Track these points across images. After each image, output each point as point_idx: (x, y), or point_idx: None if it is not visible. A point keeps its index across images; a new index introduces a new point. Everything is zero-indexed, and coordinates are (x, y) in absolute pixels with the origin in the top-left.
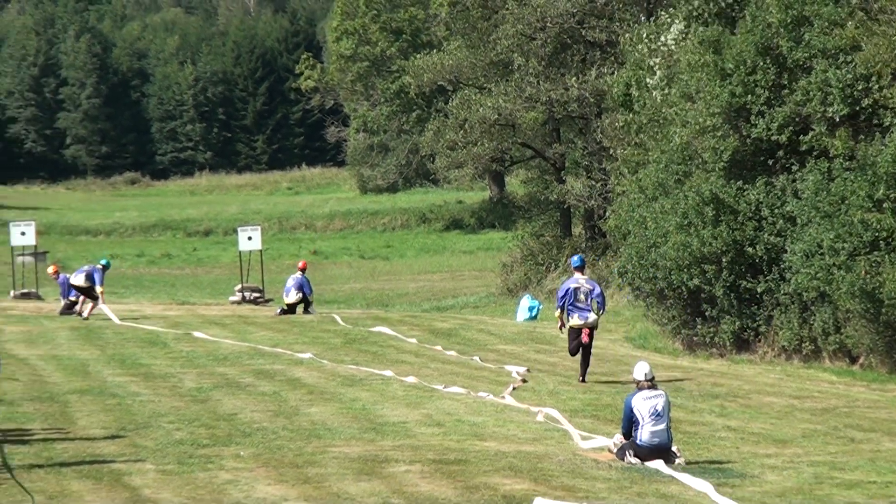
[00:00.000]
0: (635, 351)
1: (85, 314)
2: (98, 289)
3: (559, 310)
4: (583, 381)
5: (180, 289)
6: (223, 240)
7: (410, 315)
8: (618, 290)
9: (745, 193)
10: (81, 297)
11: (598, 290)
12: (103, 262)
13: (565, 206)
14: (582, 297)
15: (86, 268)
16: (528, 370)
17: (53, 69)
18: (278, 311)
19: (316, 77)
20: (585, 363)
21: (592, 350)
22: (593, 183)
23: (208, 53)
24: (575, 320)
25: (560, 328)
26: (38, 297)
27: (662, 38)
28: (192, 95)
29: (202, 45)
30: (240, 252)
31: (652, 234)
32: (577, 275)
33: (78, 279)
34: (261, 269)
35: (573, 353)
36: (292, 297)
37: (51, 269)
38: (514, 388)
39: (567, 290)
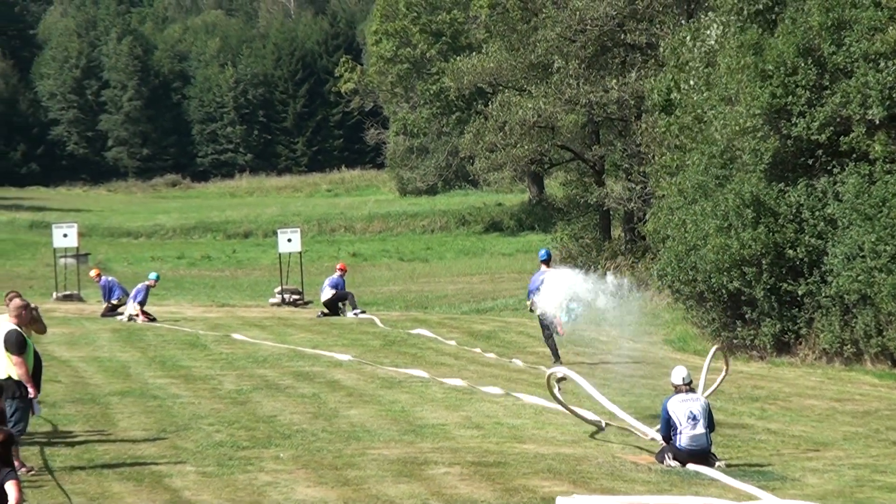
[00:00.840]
0: (675, 353)
1: (125, 317)
2: (137, 308)
3: (529, 299)
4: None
5: (220, 290)
6: (263, 242)
7: (450, 317)
8: (657, 293)
9: (786, 195)
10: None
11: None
12: (153, 276)
13: (604, 209)
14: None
15: (140, 287)
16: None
17: (95, 71)
18: (319, 313)
19: (355, 79)
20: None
21: (630, 353)
22: (633, 185)
23: (249, 55)
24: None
25: (530, 310)
26: (80, 299)
27: (702, 41)
28: (233, 97)
29: (243, 48)
30: (279, 254)
31: (691, 236)
32: (544, 267)
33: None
34: (300, 271)
35: (555, 359)
36: (325, 293)
37: (93, 273)
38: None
39: (534, 284)
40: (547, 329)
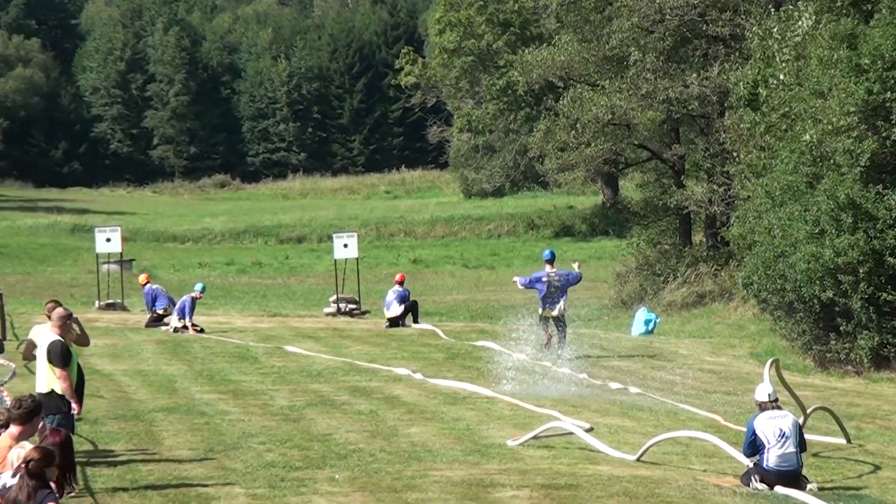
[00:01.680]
0: (761, 368)
1: (171, 327)
2: (187, 321)
3: (520, 284)
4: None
5: (272, 299)
6: (317, 247)
7: (518, 328)
8: (742, 303)
9: (885, 199)
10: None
11: (572, 275)
12: (199, 287)
13: (685, 213)
14: (553, 290)
15: (185, 299)
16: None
17: (140, 64)
18: (385, 324)
19: (417, 72)
20: (562, 332)
21: (712, 368)
22: (715, 187)
23: (303, 48)
24: (546, 311)
25: (513, 280)
26: (124, 308)
27: (792, 31)
28: (286, 92)
29: (296, 39)
30: (335, 260)
31: (780, 242)
32: (548, 267)
33: (162, 308)
34: (357, 279)
35: (546, 343)
36: (394, 310)
37: (142, 278)
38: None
39: (538, 279)
40: (547, 332)
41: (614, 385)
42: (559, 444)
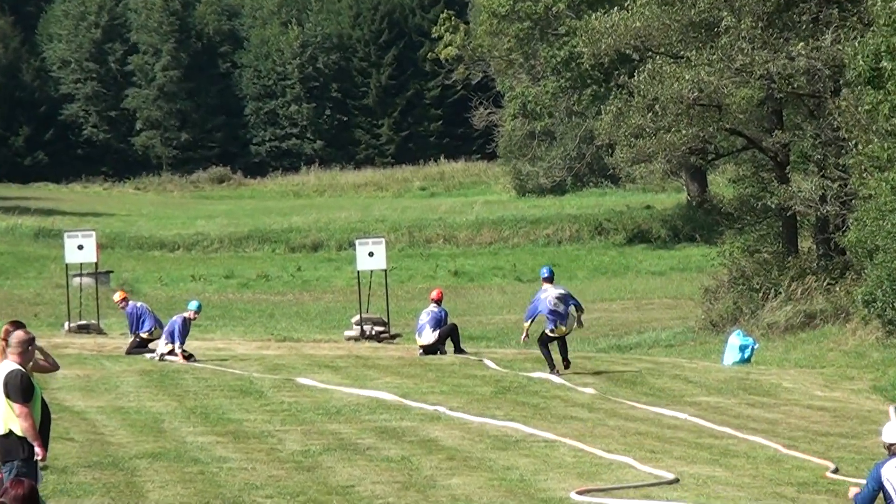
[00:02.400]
0: (887, 406)
1: (157, 355)
2: (176, 346)
3: (528, 322)
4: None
5: (281, 320)
6: (336, 256)
7: (583, 356)
8: (862, 325)
9: None
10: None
11: (569, 294)
12: (193, 306)
13: (789, 214)
14: (559, 303)
15: (175, 320)
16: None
17: (120, 32)
18: (419, 351)
19: (459, 42)
20: (564, 350)
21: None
22: (828, 183)
23: (319, 11)
24: (557, 327)
25: (524, 339)
26: (100, 331)
27: None
28: (298, 66)
29: (311, 1)
30: (358, 272)
31: None
32: (546, 285)
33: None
34: (385, 295)
35: (551, 369)
36: (427, 336)
37: (118, 296)
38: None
39: (541, 302)
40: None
41: (704, 423)
42: (635, 496)
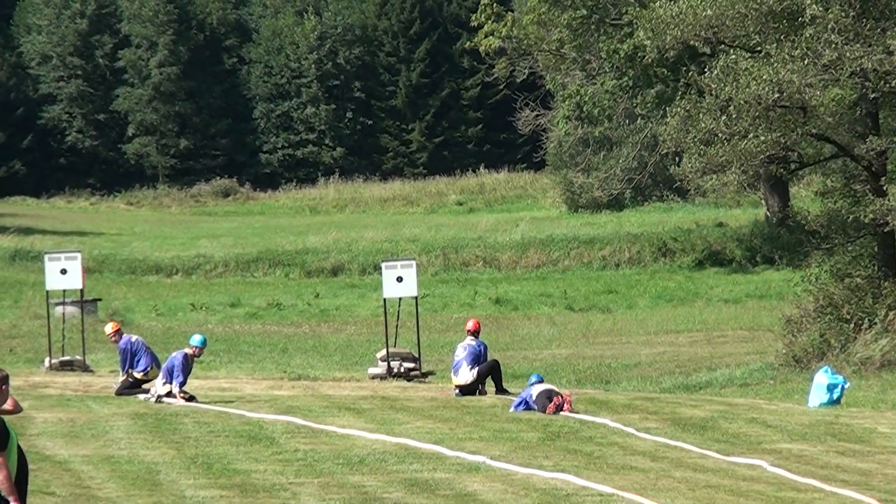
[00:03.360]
0: None
1: (153, 395)
2: (174, 386)
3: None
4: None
5: (295, 356)
6: (360, 282)
7: (644, 397)
8: None
9: None
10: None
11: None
12: (196, 341)
13: (886, 231)
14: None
15: (176, 356)
16: None
17: (109, 22)
18: (455, 391)
19: (503, 34)
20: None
21: None
22: None
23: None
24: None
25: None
26: (86, 368)
27: None
28: (315, 62)
29: None
30: (385, 300)
31: None
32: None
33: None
34: (416, 327)
35: None
36: (464, 374)
37: (110, 328)
38: None
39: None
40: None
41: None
42: None
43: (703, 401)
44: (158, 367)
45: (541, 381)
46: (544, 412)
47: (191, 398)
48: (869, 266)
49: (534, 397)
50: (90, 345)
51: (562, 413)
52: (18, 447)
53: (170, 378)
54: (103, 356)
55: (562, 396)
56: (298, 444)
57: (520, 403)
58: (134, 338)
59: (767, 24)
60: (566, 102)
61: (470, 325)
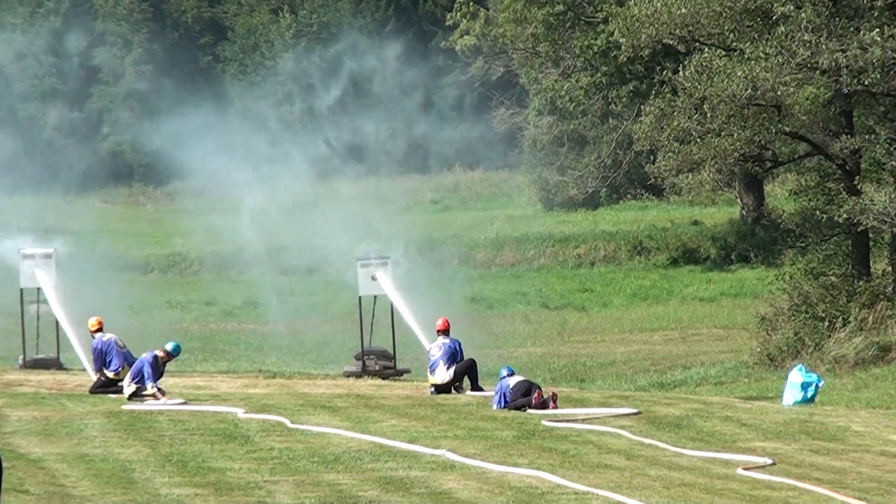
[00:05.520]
0: None
1: (126, 393)
2: (150, 387)
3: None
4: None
5: (270, 354)
6: (334, 279)
7: (619, 395)
8: None
9: None
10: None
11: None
12: (169, 347)
13: (860, 230)
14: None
15: (145, 357)
16: None
17: (83, 20)
18: (431, 389)
19: (478, 31)
20: None
21: None
22: None
23: None
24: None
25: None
26: (60, 366)
27: None
28: (291, 60)
29: None
30: (360, 298)
31: None
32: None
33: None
34: (391, 325)
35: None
36: (441, 374)
37: (93, 322)
38: None
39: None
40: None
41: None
42: None
43: (677, 399)
44: (130, 366)
45: (512, 373)
46: (528, 407)
47: (159, 392)
48: (843, 265)
49: (510, 386)
50: (64, 343)
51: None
52: None
53: (139, 379)
54: (76, 355)
55: (541, 391)
56: (273, 443)
57: (499, 399)
58: (106, 337)
59: (742, 23)
60: (540, 96)
61: (439, 323)
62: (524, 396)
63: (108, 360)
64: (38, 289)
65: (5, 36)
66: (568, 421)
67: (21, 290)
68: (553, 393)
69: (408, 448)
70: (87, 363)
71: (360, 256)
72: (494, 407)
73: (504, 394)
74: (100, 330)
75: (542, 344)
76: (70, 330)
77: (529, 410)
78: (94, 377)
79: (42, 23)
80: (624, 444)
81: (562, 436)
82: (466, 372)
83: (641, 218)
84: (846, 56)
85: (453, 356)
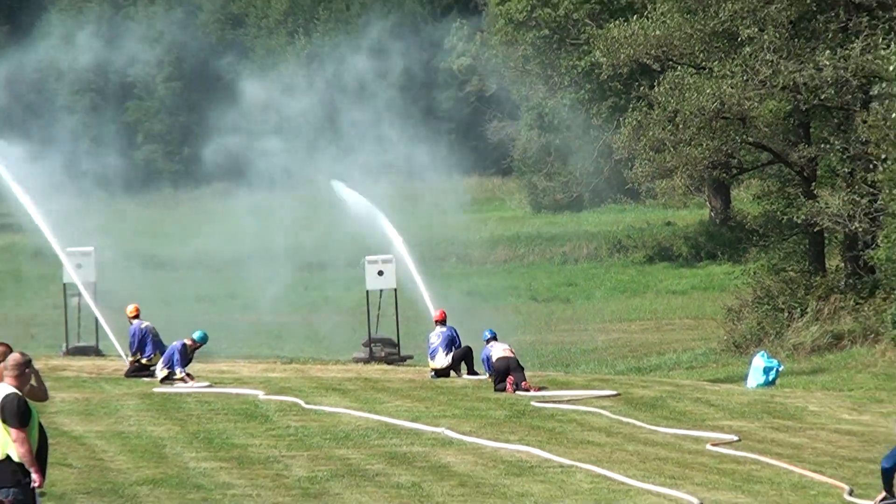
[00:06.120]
0: None
1: (159, 377)
2: (178, 372)
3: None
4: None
5: (287, 341)
6: (344, 275)
7: (600, 378)
8: (892, 346)
9: None
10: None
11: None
12: (196, 336)
13: (816, 231)
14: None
15: (175, 344)
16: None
17: (119, 42)
18: (431, 373)
19: (474, 52)
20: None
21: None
22: (857, 198)
23: (326, 20)
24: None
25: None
26: (98, 353)
27: None
28: (305, 77)
29: (318, 10)
30: (367, 291)
31: None
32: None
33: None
34: (396, 315)
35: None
36: (440, 359)
37: (131, 309)
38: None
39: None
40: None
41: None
42: None
43: (652, 382)
44: (162, 353)
45: (494, 336)
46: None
47: (187, 377)
48: (801, 261)
49: (493, 360)
50: (102, 332)
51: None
52: (39, 424)
53: (169, 364)
54: (111, 343)
55: (513, 381)
56: (290, 422)
57: (487, 367)
58: (144, 325)
59: (711, 44)
60: (529, 113)
61: (437, 314)
62: (500, 380)
63: (143, 346)
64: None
65: (49, 56)
66: (554, 402)
67: (64, 284)
68: (528, 386)
69: (410, 426)
70: (121, 351)
71: (367, 255)
72: (485, 375)
73: (488, 359)
74: (137, 317)
75: (532, 333)
76: (104, 321)
77: (518, 392)
78: (126, 360)
79: (84, 44)
80: (604, 422)
81: (549, 415)
82: (463, 358)
83: (620, 219)
84: (803, 75)
85: (451, 343)
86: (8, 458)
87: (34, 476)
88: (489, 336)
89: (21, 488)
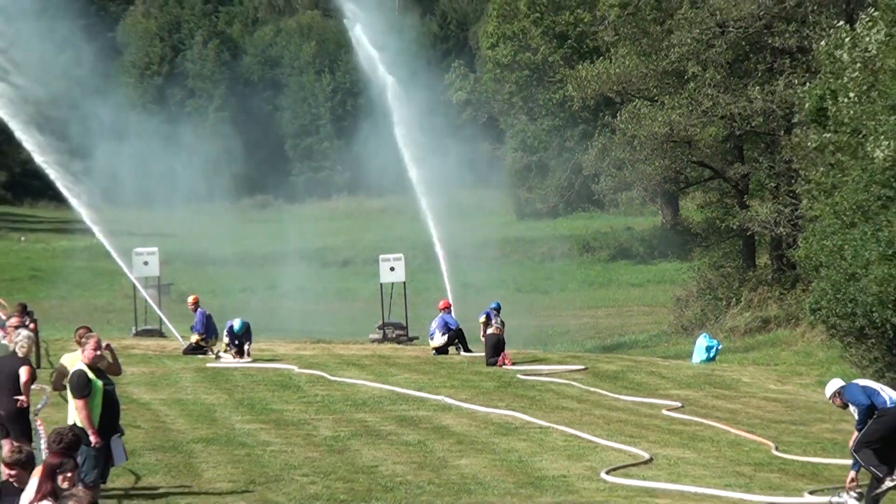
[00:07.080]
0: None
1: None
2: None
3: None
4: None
5: (315, 325)
6: (362, 270)
7: (572, 355)
8: (809, 329)
9: None
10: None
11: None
12: (237, 325)
13: (748, 234)
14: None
15: (225, 326)
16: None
17: (179, 79)
18: (432, 352)
19: (468, 88)
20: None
21: (777, 396)
22: (781, 207)
23: (348, 61)
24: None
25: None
26: (161, 335)
27: (862, 44)
28: (330, 109)
29: (341, 52)
30: (381, 284)
31: (850, 264)
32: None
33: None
34: (404, 304)
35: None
36: (437, 340)
37: (191, 299)
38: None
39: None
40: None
41: (675, 414)
42: (615, 475)
43: (615, 358)
44: (216, 336)
45: (498, 307)
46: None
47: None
48: (736, 259)
49: (488, 332)
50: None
51: (505, 367)
52: (108, 392)
53: (231, 340)
54: (174, 324)
55: (504, 357)
56: (318, 391)
57: (442, 328)
58: (206, 312)
59: (662, 80)
60: (514, 137)
61: (441, 304)
62: (491, 354)
63: (209, 329)
64: (146, 277)
65: (121, 91)
66: (535, 375)
67: (134, 279)
68: (507, 361)
69: (416, 395)
70: (177, 335)
71: (380, 254)
72: (482, 318)
73: (489, 313)
74: (197, 305)
75: (516, 318)
76: (158, 309)
77: (504, 367)
78: (182, 341)
79: (149, 80)
80: (576, 391)
81: (530, 385)
82: (456, 337)
83: (589, 225)
84: (738, 106)
85: (445, 326)
86: (76, 424)
87: (92, 437)
88: (494, 307)
89: (89, 448)
